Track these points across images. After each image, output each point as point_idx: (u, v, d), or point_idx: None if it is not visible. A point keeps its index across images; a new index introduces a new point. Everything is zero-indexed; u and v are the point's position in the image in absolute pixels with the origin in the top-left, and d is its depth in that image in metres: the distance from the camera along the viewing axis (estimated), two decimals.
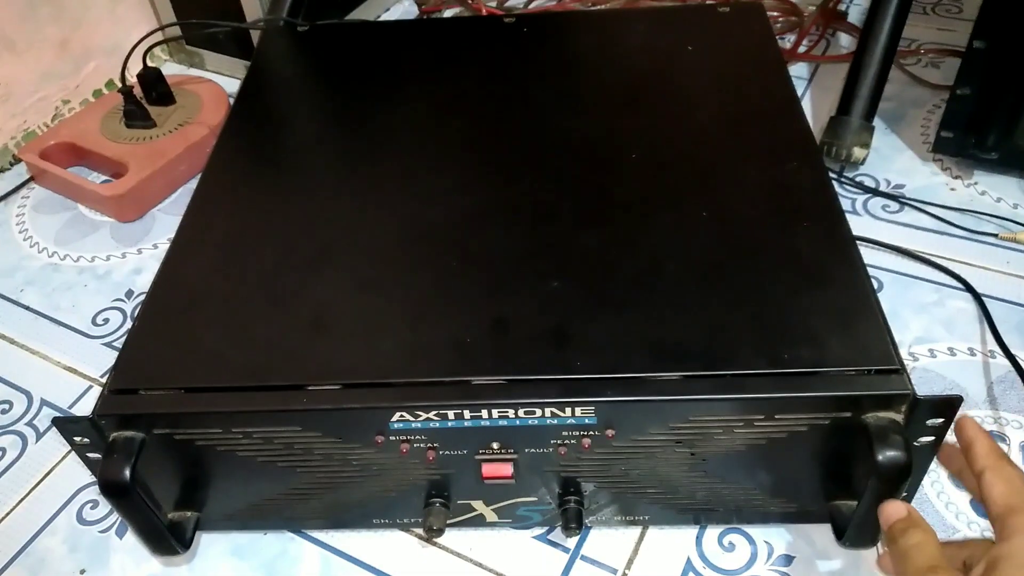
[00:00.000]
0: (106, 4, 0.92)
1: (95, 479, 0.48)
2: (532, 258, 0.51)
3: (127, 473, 0.44)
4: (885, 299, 0.64)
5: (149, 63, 0.84)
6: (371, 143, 0.62)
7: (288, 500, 0.51)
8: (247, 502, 0.51)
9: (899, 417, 0.43)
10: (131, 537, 0.55)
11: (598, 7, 1.00)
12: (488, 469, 0.48)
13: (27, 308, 0.72)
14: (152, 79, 0.84)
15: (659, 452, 0.46)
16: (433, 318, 0.48)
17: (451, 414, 0.44)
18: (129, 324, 0.70)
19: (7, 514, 0.58)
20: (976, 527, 0.52)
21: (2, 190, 0.84)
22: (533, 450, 0.47)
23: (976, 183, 0.74)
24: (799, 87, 0.86)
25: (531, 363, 0.45)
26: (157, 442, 0.46)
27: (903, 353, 0.59)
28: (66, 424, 0.45)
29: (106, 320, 0.70)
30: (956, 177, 0.75)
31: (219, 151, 0.63)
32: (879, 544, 0.49)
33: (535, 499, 0.50)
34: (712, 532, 0.53)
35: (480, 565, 0.52)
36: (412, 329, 0.48)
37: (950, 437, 0.45)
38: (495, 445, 0.46)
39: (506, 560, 0.52)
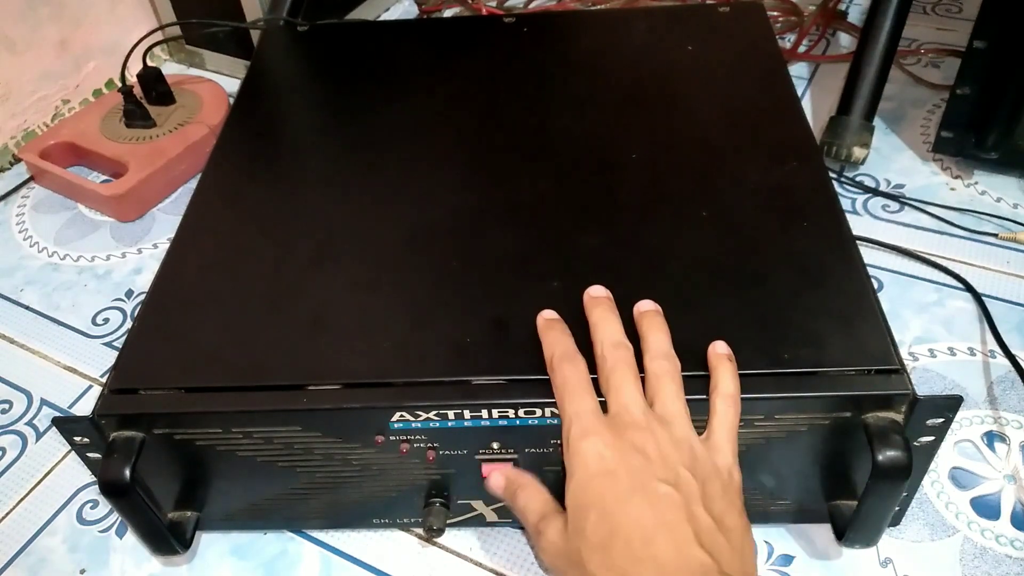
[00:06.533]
0: (106, 4, 0.92)
1: (95, 479, 0.48)
2: (532, 258, 0.51)
3: (127, 473, 0.44)
4: (885, 299, 0.64)
5: (149, 63, 0.84)
6: (371, 143, 0.62)
7: (288, 500, 0.51)
8: (247, 502, 0.51)
9: (899, 417, 0.43)
10: (131, 537, 0.55)
11: (598, 7, 1.00)
12: (488, 469, 0.48)
13: (27, 308, 0.72)
14: (152, 79, 0.84)
15: None
16: (433, 318, 0.48)
17: (451, 414, 0.44)
18: (129, 324, 0.70)
19: (7, 514, 0.58)
20: (976, 527, 0.52)
21: (2, 190, 0.84)
22: (533, 450, 0.47)
23: (976, 183, 0.74)
24: (799, 87, 0.86)
25: (531, 363, 0.45)
26: (157, 442, 0.46)
27: (903, 353, 0.59)
28: (66, 424, 0.45)
29: (106, 320, 0.70)
30: (956, 177, 0.75)
31: (219, 151, 0.63)
32: (878, 544, 0.49)
33: None
34: None
35: (480, 565, 0.52)
36: (412, 329, 0.48)
37: None
38: (495, 445, 0.46)
39: (506, 560, 0.52)
